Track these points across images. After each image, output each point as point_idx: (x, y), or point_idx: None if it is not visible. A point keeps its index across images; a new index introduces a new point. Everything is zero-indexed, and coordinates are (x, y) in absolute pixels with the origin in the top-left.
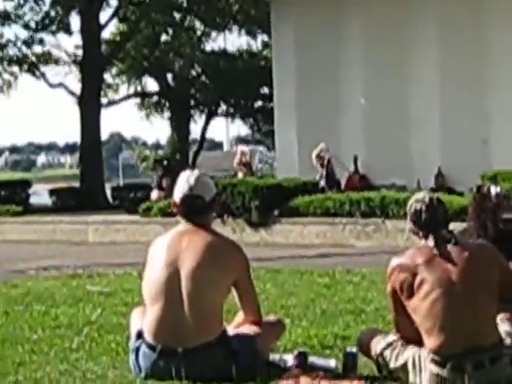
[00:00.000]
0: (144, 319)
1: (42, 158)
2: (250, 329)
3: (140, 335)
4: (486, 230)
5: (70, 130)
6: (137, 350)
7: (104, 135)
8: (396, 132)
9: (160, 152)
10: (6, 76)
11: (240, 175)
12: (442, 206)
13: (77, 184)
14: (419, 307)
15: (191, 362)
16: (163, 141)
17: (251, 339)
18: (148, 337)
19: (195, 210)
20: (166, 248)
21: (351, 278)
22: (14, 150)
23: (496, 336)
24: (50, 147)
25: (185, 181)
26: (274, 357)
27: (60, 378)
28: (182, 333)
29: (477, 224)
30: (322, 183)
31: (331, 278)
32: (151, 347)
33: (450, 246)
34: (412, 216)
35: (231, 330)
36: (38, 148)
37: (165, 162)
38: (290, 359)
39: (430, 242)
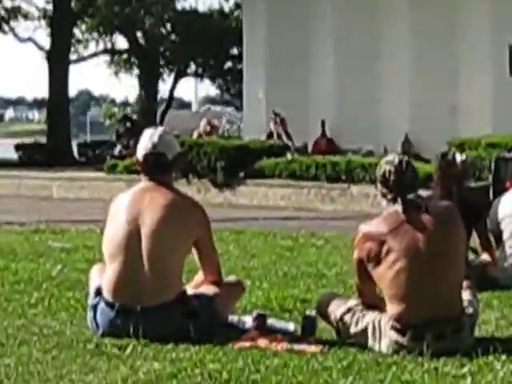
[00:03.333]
0: (103, 276)
1: (9, 113)
2: (209, 289)
3: (99, 292)
4: (450, 197)
5: (38, 86)
6: (95, 307)
7: (73, 92)
8: (365, 97)
9: (128, 110)
10: None
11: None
12: (411, 170)
13: (44, 140)
14: (384, 275)
15: (149, 321)
16: (132, 99)
17: (210, 299)
18: (106, 294)
19: (158, 167)
20: (128, 205)
21: (315, 241)
22: None
23: (459, 307)
24: (19, 102)
25: (148, 138)
26: (232, 318)
27: (17, 333)
28: (141, 291)
29: (442, 191)
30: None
31: (294, 240)
32: (109, 305)
33: (418, 212)
34: (381, 177)
35: (190, 290)
36: (6, 102)
37: (128, 124)
38: (248, 321)
39: (398, 206)
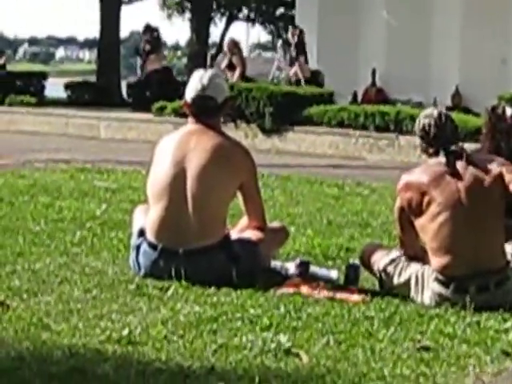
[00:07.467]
0: (147, 217)
1: (60, 52)
2: (253, 234)
3: (142, 233)
4: (499, 151)
5: (90, 26)
6: (137, 247)
7: (125, 33)
8: (416, 48)
9: (178, 53)
10: None
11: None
12: (450, 122)
13: (93, 79)
14: (427, 227)
15: (192, 264)
16: (183, 42)
17: (253, 244)
18: (150, 235)
19: (206, 110)
20: (174, 147)
21: (361, 190)
22: (33, 41)
23: (503, 259)
24: (70, 41)
25: (198, 80)
26: (275, 264)
27: (58, 271)
28: (185, 233)
29: (490, 145)
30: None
31: (340, 189)
32: (152, 246)
33: (460, 163)
34: (421, 132)
35: (234, 234)
36: (58, 41)
37: (148, 37)
38: (291, 267)
39: (442, 158)
